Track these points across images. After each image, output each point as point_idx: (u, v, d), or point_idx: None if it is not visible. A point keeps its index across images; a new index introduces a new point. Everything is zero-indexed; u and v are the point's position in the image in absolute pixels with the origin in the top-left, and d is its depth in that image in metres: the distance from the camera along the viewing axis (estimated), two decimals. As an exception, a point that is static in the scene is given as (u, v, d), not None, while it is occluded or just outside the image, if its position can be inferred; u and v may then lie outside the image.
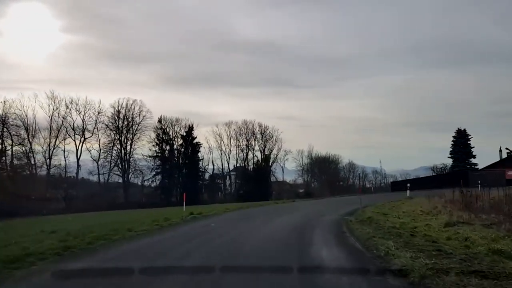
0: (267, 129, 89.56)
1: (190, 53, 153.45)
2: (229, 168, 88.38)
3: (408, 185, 28.59)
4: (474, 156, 72.44)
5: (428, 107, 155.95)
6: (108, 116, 75.17)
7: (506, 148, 67.40)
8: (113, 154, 76.22)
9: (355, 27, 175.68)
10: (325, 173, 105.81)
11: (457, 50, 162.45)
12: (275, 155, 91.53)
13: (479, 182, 41.56)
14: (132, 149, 77.38)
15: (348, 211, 20.65)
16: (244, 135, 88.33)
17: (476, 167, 71.17)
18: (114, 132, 76.14)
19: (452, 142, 72.66)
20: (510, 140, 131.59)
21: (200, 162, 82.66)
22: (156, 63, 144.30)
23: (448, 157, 73.98)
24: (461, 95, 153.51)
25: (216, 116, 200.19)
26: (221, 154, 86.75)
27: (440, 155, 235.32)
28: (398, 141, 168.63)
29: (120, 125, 76.63)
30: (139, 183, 79.73)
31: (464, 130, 72.50)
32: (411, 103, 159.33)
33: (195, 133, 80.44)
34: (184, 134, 79.62)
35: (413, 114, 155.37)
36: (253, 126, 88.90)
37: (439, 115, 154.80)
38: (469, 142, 72.05)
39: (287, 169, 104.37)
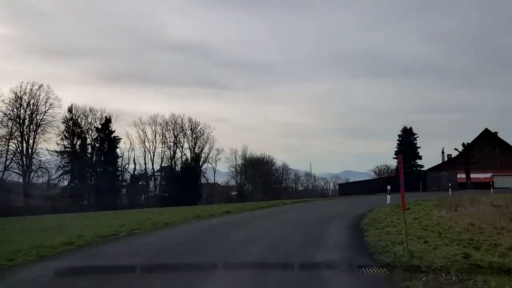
0: (198, 125, 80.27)
1: (119, 50, 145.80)
2: (153, 168, 77.98)
3: (389, 187, 20.62)
4: (420, 157, 67.96)
5: (352, 114, 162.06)
6: (6, 103, 62.41)
7: (455, 149, 63.47)
8: (11, 149, 63.47)
9: (286, 35, 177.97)
10: (259, 175, 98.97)
11: (380, 62, 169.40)
12: (207, 154, 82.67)
13: (450, 184, 35.91)
14: (35, 143, 64.99)
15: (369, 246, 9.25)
16: (172, 130, 78.41)
17: (422, 168, 66.81)
18: (13, 122, 63.45)
19: (398, 141, 67.68)
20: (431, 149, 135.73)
21: (119, 160, 71.73)
22: (82, 58, 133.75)
23: (393, 157, 68.86)
24: (383, 104, 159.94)
25: (144, 115, 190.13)
26: (145, 151, 76.22)
27: (363, 159, 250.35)
28: (324, 146, 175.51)
29: (21, 114, 64.08)
30: (44, 183, 67.16)
31: (410, 128, 67.78)
32: (337, 109, 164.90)
33: (115, 127, 69.57)
34: (100, 126, 68.34)
35: (338, 120, 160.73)
36: (182, 121, 79.17)
37: (362, 122, 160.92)
38: (415, 141, 67.34)
39: (220, 171, 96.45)
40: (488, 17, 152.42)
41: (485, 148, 68.36)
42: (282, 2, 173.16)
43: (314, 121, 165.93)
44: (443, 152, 72.06)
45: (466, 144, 61.32)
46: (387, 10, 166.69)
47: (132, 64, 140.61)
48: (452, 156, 74.21)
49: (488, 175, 66.68)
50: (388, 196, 20.08)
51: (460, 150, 61.66)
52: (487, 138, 70.53)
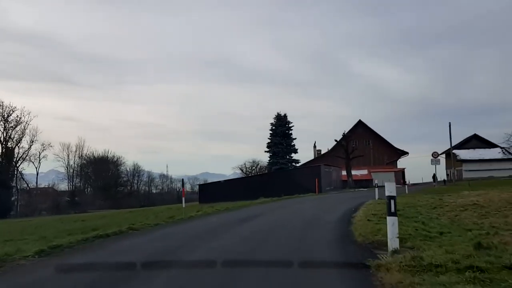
0: (13, 111, 60.09)
1: None
2: None
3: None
4: (296, 151, 57.54)
5: (211, 117, 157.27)
6: None
7: (335, 140, 54.64)
8: None
9: (142, 33, 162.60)
10: (102, 177, 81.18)
11: (235, 69, 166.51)
12: (26, 150, 62.70)
13: (376, 183, 25.22)
14: None
15: None
16: (-29, 116, 56.97)
17: (297, 164, 56.60)
18: None
19: (270, 131, 56.42)
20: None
21: None
22: None
23: (265, 151, 57.61)
24: (241, 109, 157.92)
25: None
26: None
27: (221, 161, 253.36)
28: (183, 147, 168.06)
29: None
30: None
31: (285, 115, 56.98)
32: (196, 112, 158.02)
33: None
34: None
35: (197, 123, 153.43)
36: (-11, 104, 58.21)
37: (221, 125, 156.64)
38: (290, 132, 56.71)
39: (58, 171, 76.46)
40: (326, 35, 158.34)
41: (358, 142, 61.26)
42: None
43: (173, 123, 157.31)
44: (315, 147, 63.67)
45: (345, 133, 53.00)
46: (249, 20, 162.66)
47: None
48: (322, 153, 66.53)
49: (364, 171, 59.79)
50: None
51: (342, 142, 52.91)
52: (362, 130, 63.90)
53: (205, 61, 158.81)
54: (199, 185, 56.34)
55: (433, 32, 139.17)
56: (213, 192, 40.13)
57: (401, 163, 68.00)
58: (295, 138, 55.57)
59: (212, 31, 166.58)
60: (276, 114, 55.53)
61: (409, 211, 13.12)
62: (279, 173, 46.61)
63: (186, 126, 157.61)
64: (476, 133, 77.42)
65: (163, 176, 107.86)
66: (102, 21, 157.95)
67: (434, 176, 51.89)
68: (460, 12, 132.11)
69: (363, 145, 62.99)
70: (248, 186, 39.07)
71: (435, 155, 44.42)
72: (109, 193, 77.74)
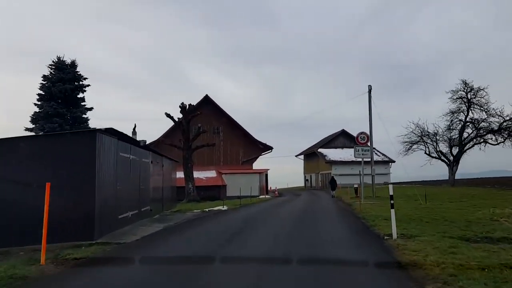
0: None
1: None
2: None
3: None
4: (89, 110, 31.85)
5: (22, 112, 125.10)
6: None
7: (168, 115, 31.53)
8: None
9: None
10: None
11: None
12: None
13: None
14: None
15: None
16: None
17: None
18: None
19: (42, 93, 29.61)
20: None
21: None
22: None
23: (27, 128, 29.86)
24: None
25: None
26: None
27: None
28: None
29: None
30: None
31: (73, 63, 30.64)
32: (6, 105, 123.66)
33: None
34: None
35: (8, 118, 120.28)
36: None
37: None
38: (81, 96, 31.18)
39: None
40: (167, 40, 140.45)
41: (204, 127, 39.64)
42: None
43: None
44: (134, 132, 40.00)
45: (186, 107, 30.70)
46: (81, 14, 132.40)
47: None
48: (147, 143, 43.41)
49: (211, 173, 38.36)
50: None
51: (181, 121, 30.33)
52: (209, 111, 42.42)
53: (24, 51, 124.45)
54: None
55: (265, 52, 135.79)
56: None
57: (255, 163, 48.53)
58: (90, 109, 30.84)
59: (37, 21, 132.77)
60: (56, 60, 29.98)
61: None
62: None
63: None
64: (345, 129, 62.79)
65: None
66: None
67: (332, 181, 33.01)
68: (287, 37, 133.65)
69: (210, 133, 41.80)
70: None
71: (362, 138, 25.50)
72: None
